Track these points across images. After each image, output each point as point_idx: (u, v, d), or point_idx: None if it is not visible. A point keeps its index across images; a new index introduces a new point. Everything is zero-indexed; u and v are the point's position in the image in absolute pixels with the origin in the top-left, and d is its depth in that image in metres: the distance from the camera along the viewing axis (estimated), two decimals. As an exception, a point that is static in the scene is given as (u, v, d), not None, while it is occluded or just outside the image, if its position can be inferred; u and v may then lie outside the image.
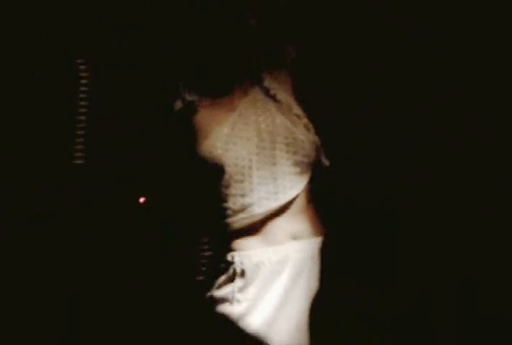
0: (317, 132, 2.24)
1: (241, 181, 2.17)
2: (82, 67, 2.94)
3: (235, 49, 2.22)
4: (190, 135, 2.22)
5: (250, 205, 2.18)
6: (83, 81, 2.97)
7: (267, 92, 2.27)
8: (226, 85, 2.25)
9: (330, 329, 2.30)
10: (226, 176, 2.17)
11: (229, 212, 2.21)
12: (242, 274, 2.18)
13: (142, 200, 2.71)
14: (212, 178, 2.20)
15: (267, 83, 2.27)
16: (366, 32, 2.73)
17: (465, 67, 2.75)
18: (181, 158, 2.29)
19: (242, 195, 2.18)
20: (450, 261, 2.74)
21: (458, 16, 2.76)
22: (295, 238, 2.22)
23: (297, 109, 2.26)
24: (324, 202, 2.47)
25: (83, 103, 2.98)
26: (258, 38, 2.22)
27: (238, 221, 2.20)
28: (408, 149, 2.73)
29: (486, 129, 2.72)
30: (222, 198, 2.20)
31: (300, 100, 2.29)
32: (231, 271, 2.20)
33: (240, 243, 2.23)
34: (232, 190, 2.18)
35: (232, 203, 2.19)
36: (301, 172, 2.23)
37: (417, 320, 2.72)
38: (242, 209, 2.19)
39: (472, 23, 2.74)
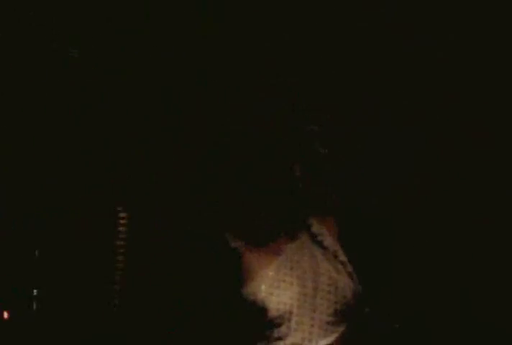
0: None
1: (280, 325, 2.17)
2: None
3: (283, 193, 2.26)
4: (233, 277, 2.23)
5: None
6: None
7: (314, 237, 2.28)
8: (274, 230, 2.26)
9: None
10: (266, 319, 2.17)
11: None
12: None
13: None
14: (251, 320, 2.20)
15: (314, 228, 2.29)
16: (365, 39, 2.74)
17: (464, 72, 2.76)
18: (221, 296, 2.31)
19: (278, 339, 2.18)
20: (448, 268, 2.77)
21: (457, 21, 2.76)
22: None
23: (342, 256, 2.27)
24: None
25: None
26: (304, 187, 2.27)
27: None
28: (407, 156, 2.75)
29: (486, 134, 2.74)
30: (257, 339, 2.20)
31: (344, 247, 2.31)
32: None
33: None
34: (269, 333, 2.18)
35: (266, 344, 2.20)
36: (339, 322, 2.22)
37: (417, 325, 2.76)
38: None
39: (471, 27, 2.75)
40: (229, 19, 2.72)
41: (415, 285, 2.81)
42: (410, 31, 2.74)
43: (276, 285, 2.17)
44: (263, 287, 2.16)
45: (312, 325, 2.17)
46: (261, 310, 2.15)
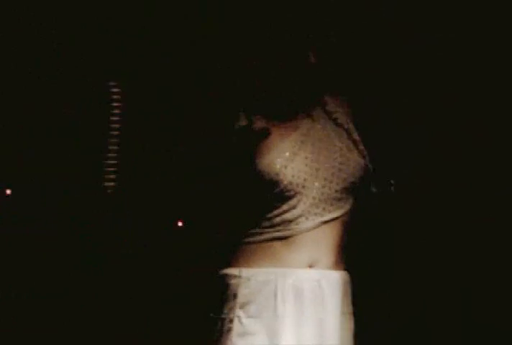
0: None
1: (290, 198, 2.18)
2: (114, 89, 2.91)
3: (298, 75, 2.25)
4: (246, 150, 2.22)
5: (288, 221, 2.19)
6: (116, 104, 2.96)
7: (329, 115, 2.31)
8: (290, 107, 2.29)
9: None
10: (278, 191, 2.18)
11: (265, 224, 2.21)
12: (246, 291, 2.19)
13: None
14: (260, 192, 2.21)
15: (329, 106, 2.32)
16: (366, 36, 2.70)
17: (466, 71, 2.74)
18: (230, 172, 2.29)
19: (285, 211, 2.19)
20: (448, 267, 2.76)
21: (458, 20, 2.74)
22: (310, 266, 2.22)
23: (356, 135, 2.30)
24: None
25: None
26: (318, 69, 2.26)
27: (267, 234, 2.21)
28: (410, 156, 2.73)
29: (487, 134, 2.72)
30: (263, 211, 2.21)
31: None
32: (235, 286, 2.22)
33: (251, 260, 2.23)
34: (277, 205, 2.19)
35: (273, 216, 2.20)
36: (346, 199, 2.25)
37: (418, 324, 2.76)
38: (279, 224, 2.20)
39: (472, 26, 2.73)
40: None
41: (415, 284, 2.80)
42: (411, 29, 2.71)
43: (291, 159, 2.20)
44: (279, 159, 2.18)
45: (320, 200, 2.21)
46: (274, 181, 2.17)
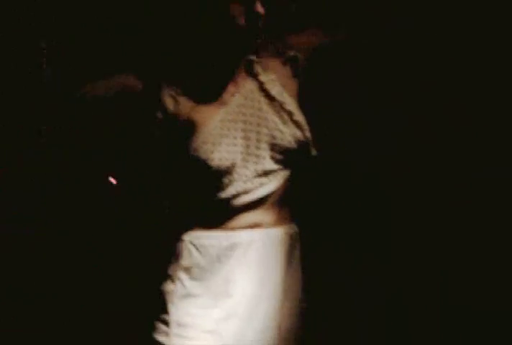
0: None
1: (222, 176, 2.15)
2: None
3: (229, 38, 2.13)
4: (173, 132, 2.19)
5: (225, 199, 2.18)
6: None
7: (261, 87, 2.22)
8: (218, 79, 2.20)
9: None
10: (208, 174, 2.15)
11: (204, 202, 2.21)
12: (189, 254, 2.19)
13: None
14: (192, 172, 2.19)
15: (262, 77, 2.22)
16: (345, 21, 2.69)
17: (446, 54, 2.71)
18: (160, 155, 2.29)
19: (220, 190, 2.17)
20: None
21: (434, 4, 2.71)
22: (252, 227, 2.21)
23: (290, 106, 2.20)
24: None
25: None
26: (261, 28, 2.12)
27: (205, 212, 2.22)
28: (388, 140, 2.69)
29: (467, 116, 2.67)
30: (201, 191, 2.20)
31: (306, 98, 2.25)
32: (179, 250, 2.21)
33: (195, 224, 2.23)
34: (211, 184, 2.17)
35: (207, 196, 2.19)
36: (282, 170, 2.21)
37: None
38: (215, 201, 2.19)
39: (450, 9, 2.70)
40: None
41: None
42: (389, 12, 2.69)
43: (218, 142, 2.13)
44: (204, 146, 2.12)
45: (254, 176, 2.16)
46: (203, 166, 2.12)
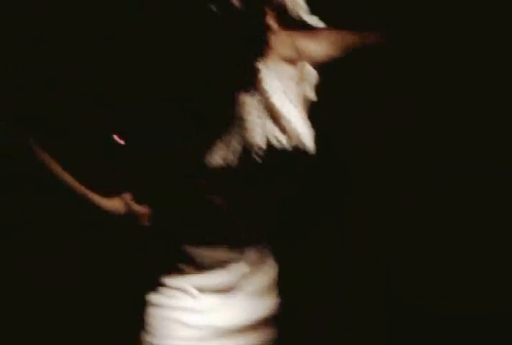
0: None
1: (209, 184, 2.15)
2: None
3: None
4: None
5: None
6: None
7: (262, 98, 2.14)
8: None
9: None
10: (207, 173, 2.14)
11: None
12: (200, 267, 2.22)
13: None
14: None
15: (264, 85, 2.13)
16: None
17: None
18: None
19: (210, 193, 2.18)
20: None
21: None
22: None
23: (278, 106, 2.13)
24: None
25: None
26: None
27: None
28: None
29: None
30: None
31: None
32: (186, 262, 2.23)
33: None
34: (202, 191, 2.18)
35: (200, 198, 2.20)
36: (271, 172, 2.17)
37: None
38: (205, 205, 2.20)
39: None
40: None
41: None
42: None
43: (209, 152, 2.08)
44: (195, 154, 2.10)
45: (241, 180, 2.14)
46: (190, 172, 2.12)
